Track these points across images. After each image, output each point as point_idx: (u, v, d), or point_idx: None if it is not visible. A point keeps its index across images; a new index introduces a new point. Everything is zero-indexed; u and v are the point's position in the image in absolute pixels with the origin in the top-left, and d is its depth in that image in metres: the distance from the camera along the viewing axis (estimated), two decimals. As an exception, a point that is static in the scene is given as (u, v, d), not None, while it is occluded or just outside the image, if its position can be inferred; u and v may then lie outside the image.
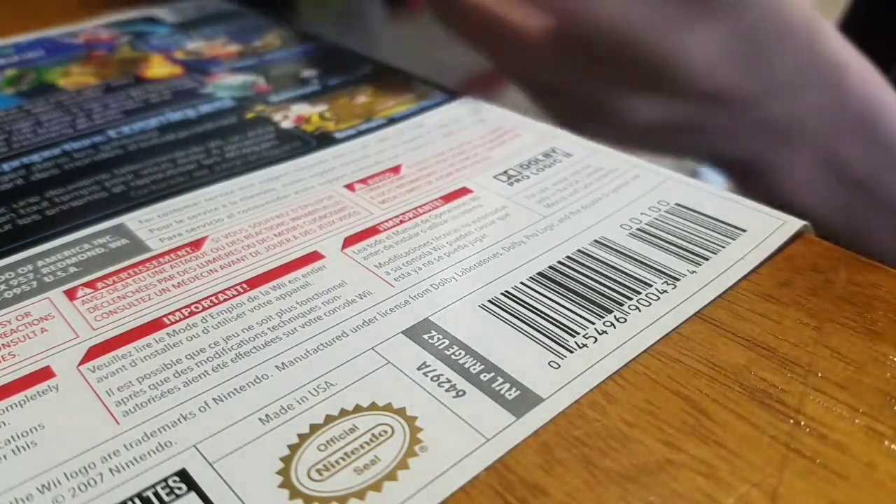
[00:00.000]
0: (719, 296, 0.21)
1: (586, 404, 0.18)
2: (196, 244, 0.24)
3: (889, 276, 0.22)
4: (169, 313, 0.21)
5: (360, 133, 0.31)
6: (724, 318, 0.21)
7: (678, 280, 0.22)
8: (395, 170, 0.28)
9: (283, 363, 0.19)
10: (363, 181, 0.27)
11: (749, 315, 0.21)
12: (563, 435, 0.17)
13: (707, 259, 0.23)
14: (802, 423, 0.18)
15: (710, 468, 0.17)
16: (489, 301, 0.21)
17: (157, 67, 0.37)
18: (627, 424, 0.18)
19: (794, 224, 0.24)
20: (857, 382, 0.19)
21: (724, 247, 0.23)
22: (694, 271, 0.22)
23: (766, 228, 0.24)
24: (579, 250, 0.23)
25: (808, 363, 0.19)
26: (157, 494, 0.16)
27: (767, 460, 0.17)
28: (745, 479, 0.16)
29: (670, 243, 0.23)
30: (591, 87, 0.31)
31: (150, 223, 0.25)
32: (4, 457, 0.17)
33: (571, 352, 0.19)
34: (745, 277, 0.22)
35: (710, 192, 0.26)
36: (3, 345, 0.20)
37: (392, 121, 0.31)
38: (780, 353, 0.20)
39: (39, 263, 0.23)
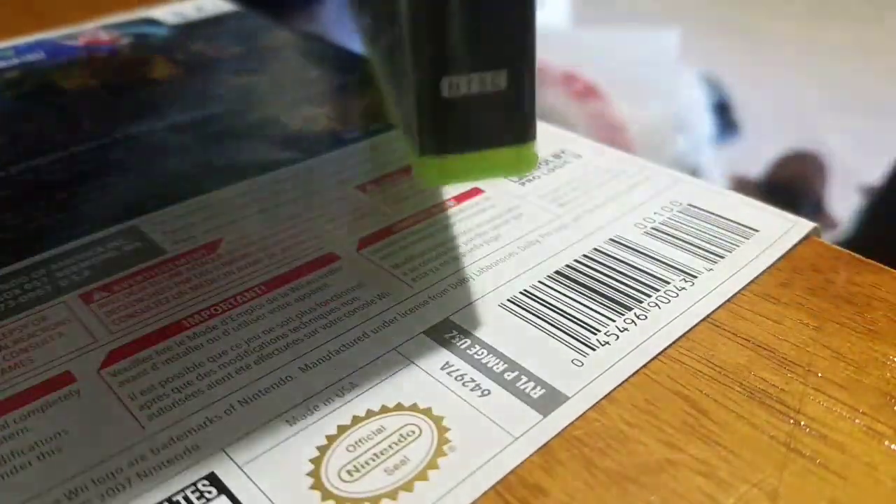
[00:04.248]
0: (738, 291, 0.21)
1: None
2: (211, 246, 0.24)
3: (889, 276, 0.22)
4: (188, 316, 0.21)
5: (370, 134, 0.30)
6: (724, 319, 0.21)
7: (695, 277, 0.22)
8: (407, 171, 0.28)
9: (306, 364, 0.19)
10: (375, 182, 0.27)
11: (749, 315, 0.21)
12: (563, 435, 0.17)
13: (723, 258, 0.23)
14: (802, 423, 0.18)
15: (710, 468, 0.17)
16: (508, 300, 0.21)
17: (160, 69, 0.37)
18: (627, 424, 0.18)
19: (805, 226, 0.24)
20: (857, 382, 0.19)
21: (738, 246, 0.23)
22: (711, 269, 0.22)
23: (777, 229, 0.24)
24: (595, 248, 0.23)
25: (808, 363, 0.19)
26: (186, 499, 0.16)
27: (767, 460, 0.17)
28: (745, 479, 0.16)
29: (686, 242, 0.23)
30: None
31: (163, 225, 0.25)
32: (29, 463, 0.17)
33: (594, 350, 0.20)
34: (761, 275, 0.22)
35: (720, 193, 0.26)
36: (20, 350, 0.20)
37: (399, 121, 0.31)
38: (780, 353, 0.20)
39: (53, 267, 0.23)
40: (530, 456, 0.17)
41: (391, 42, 0.20)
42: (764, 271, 0.22)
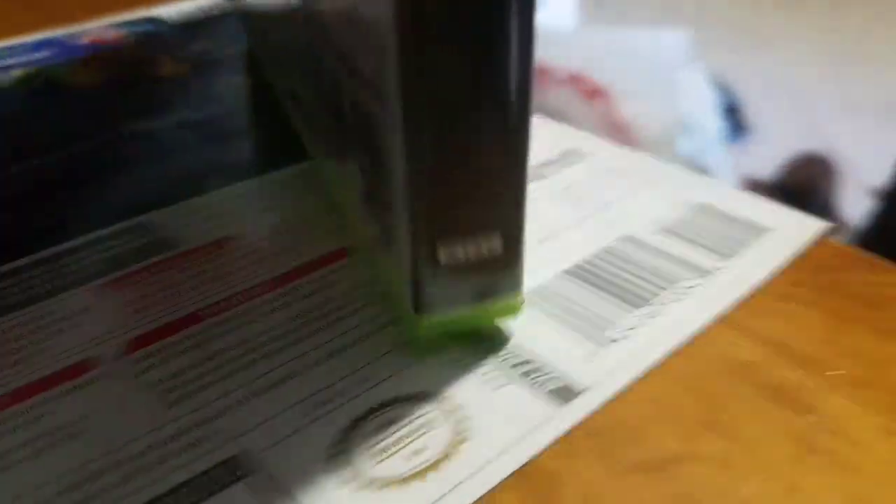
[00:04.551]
0: (752, 289, 0.22)
1: (605, 399, 0.18)
2: (224, 241, 0.24)
3: (903, 276, 0.22)
4: (205, 307, 0.21)
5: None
6: (741, 317, 0.21)
7: (708, 275, 0.22)
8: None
9: (324, 355, 0.20)
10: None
11: (765, 314, 0.21)
12: (581, 428, 0.18)
13: (735, 255, 0.23)
14: (818, 419, 0.18)
15: (726, 462, 0.17)
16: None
17: (166, 67, 0.37)
18: (644, 418, 0.18)
19: (819, 225, 0.24)
20: (872, 380, 0.19)
21: (751, 244, 0.23)
22: (724, 267, 0.22)
23: (791, 227, 0.24)
24: (608, 246, 0.24)
25: (823, 361, 0.20)
26: (207, 482, 0.16)
27: (783, 455, 0.17)
28: (761, 473, 0.17)
29: (698, 240, 0.24)
30: None
31: (175, 221, 0.25)
32: (53, 445, 0.18)
33: (608, 345, 0.20)
34: (775, 274, 0.22)
35: (734, 192, 0.26)
36: (43, 337, 0.21)
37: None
38: (796, 352, 0.20)
39: (71, 259, 0.24)
40: (545, 447, 0.17)
41: (370, 177, 0.20)
42: (777, 269, 0.23)
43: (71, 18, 0.43)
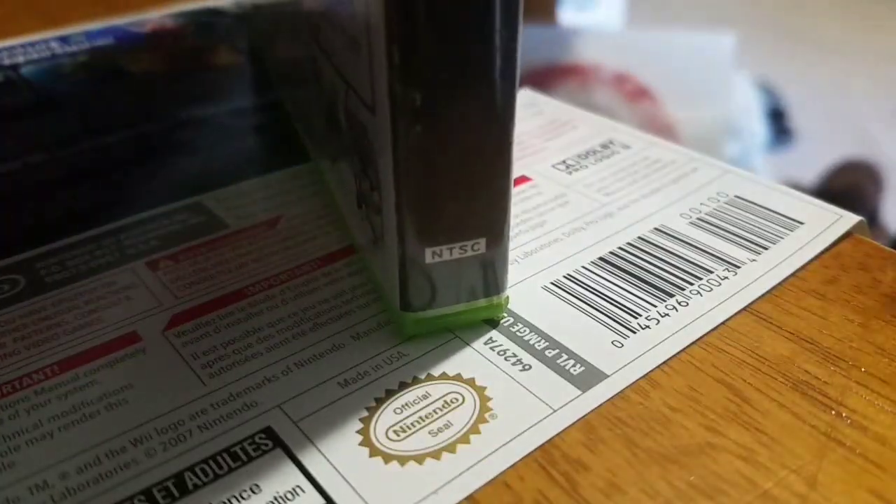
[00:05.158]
0: (782, 283, 0.22)
1: (630, 388, 0.19)
2: (271, 222, 0.25)
3: (938, 276, 0.22)
4: (249, 285, 0.22)
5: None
6: (769, 312, 0.21)
7: (739, 267, 0.22)
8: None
9: (357, 333, 0.20)
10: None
11: (795, 310, 0.21)
12: (605, 415, 0.18)
13: (767, 248, 0.23)
14: (844, 414, 0.18)
15: (751, 453, 0.17)
16: (552, 283, 0.22)
17: (223, 56, 0.38)
18: (670, 408, 0.18)
19: (851, 219, 0.24)
20: None
21: (783, 237, 0.24)
22: (754, 259, 0.23)
23: (823, 222, 0.24)
24: (640, 237, 0.24)
25: (851, 358, 0.20)
26: (244, 450, 0.17)
27: (807, 448, 0.17)
28: (785, 465, 0.17)
29: (730, 233, 0.24)
30: None
31: (227, 202, 0.26)
32: (98, 412, 0.18)
33: (634, 332, 0.20)
34: (804, 267, 0.22)
35: (767, 185, 0.26)
36: (90, 310, 0.22)
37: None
38: (824, 348, 0.20)
39: (122, 237, 0.25)
40: (568, 427, 0.18)
41: (360, 183, 0.21)
42: (808, 263, 0.23)
43: (135, 7, 0.44)
